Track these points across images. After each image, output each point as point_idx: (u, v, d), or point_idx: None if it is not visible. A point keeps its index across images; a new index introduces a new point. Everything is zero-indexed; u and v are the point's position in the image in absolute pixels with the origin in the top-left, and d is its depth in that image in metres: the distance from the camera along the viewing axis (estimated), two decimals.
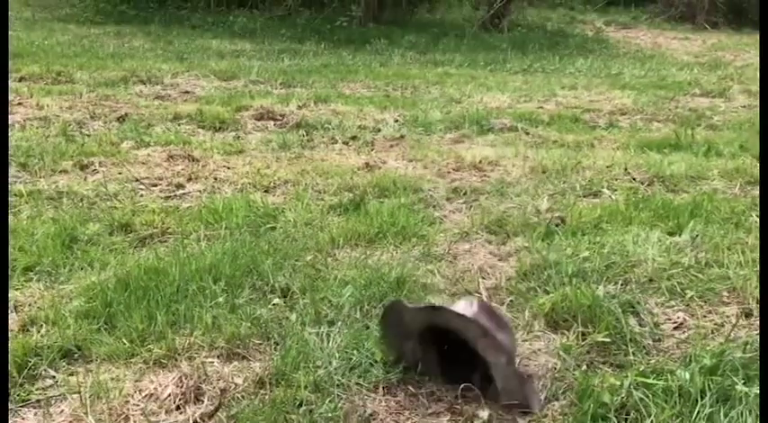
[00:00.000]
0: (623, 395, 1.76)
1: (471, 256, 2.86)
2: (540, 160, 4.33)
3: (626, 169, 4.12)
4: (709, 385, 1.79)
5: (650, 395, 1.76)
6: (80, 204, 3.44)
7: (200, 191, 3.74)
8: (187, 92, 6.60)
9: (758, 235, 2.92)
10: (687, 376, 1.82)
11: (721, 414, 1.72)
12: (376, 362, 2.02)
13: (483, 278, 2.64)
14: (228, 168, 4.15)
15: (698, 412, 1.72)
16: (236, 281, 2.51)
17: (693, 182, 3.93)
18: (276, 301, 2.41)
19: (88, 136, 4.83)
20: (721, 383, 1.80)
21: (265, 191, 3.75)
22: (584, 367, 1.98)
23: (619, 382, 1.80)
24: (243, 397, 1.86)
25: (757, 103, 6.63)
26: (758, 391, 1.75)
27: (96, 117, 5.39)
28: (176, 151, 4.39)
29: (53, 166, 4.03)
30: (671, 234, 3.00)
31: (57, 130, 4.88)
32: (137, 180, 3.86)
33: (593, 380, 1.85)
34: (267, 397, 1.85)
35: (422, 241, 3.01)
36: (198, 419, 1.75)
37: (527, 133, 5.32)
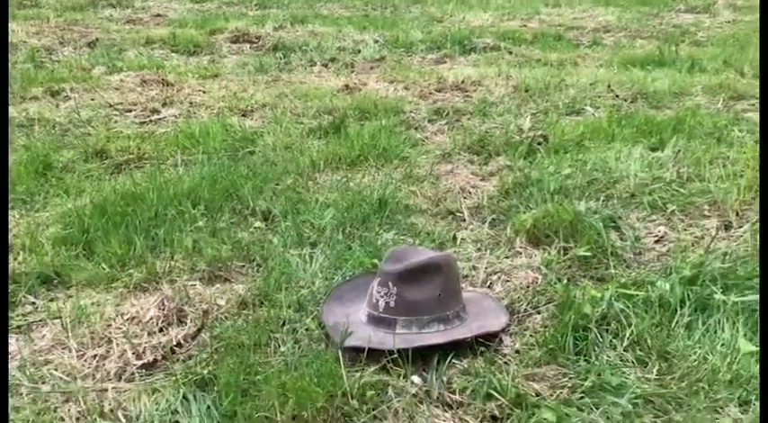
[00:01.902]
0: (604, 306, 1.77)
1: (453, 176, 2.84)
2: (522, 79, 4.26)
3: (609, 86, 4.07)
4: (688, 295, 1.80)
5: (630, 306, 1.77)
6: (53, 131, 3.35)
7: (175, 116, 3.65)
8: (159, 15, 6.39)
9: (744, 150, 2.92)
10: (667, 287, 1.83)
11: (699, 322, 1.74)
12: None
13: (465, 198, 2.63)
14: (204, 92, 4.05)
15: (677, 321, 1.74)
16: (215, 205, 2.48)
17: (677, 98, 3.90)
18: (257, 224, 2.39)
19: (58, 62, 4.69)
20: (700, 293, 1.81)
21: (243, 115, 3.68)
22: (566, 281, 1.97)
23: (600, 295, 1.81)
24: (226, 317, 1.84)
25: (742, 18, 6.53)
26: (736, 300, 1.77)
27: (65, 42, 5.21)
28: (150, 76, 4.26)
29: (23, 93, 3.92)
30: (653, 150, 2.98)
31: (24, 57, 4.72)
32: (110, 106, 3.76)
33: (574, 293, 1.85)
34: (250, 317, 1.83)
35: (404, 163, 2.98)
36: (181, 341, 1.74)
37: (510, 52, 5.23)
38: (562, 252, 2.13)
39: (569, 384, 1.56)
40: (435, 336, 1.73)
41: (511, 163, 2.92)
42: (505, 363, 1.66)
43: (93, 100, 3.85)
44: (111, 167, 2.93)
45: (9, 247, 2.14)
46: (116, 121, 3.55)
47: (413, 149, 3.16)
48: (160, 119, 3.62)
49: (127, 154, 3.04)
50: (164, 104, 3.81)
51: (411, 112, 3.73)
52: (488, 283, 2.04)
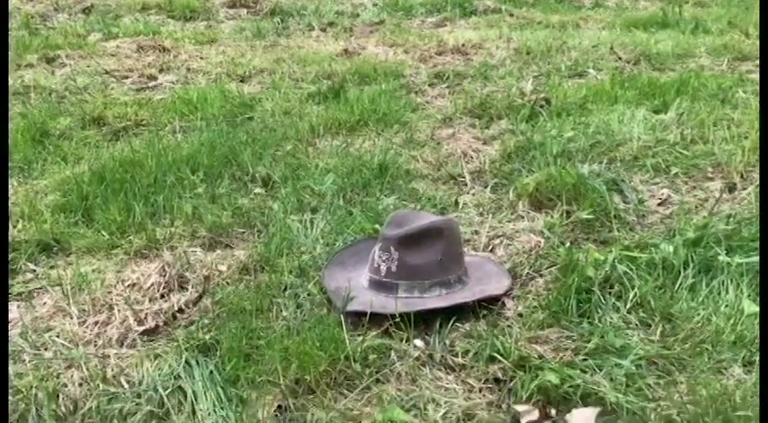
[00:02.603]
0: (607, 269, 1.75)
1: (455, 140, 2.82)
2: (524, 42, 4.20)
3: (612, 49, 4.01)
4: (691, 257, 1.78)
5: (634, 268, 1.75)
6: (49, 98, 3.32)
7: (172, 82, 3.62)
8: None
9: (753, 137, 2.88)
10: (671, 249, 1.81)
11: (703, 284, 1.72)
12: None
13: (467, 162, 2.61)
14: (201, 58, 4.00)
15: (680, 283, 1.73)
16: (214, 171, 2.47)
17: (680, 59, 3.84)
18: (257, 190, 2.38)
19: (53, 29, 4.62)
20: (704, 255, 1.80)
21: (241, 80, 3.65)
22: (568, 244, 1.96)
23: (603, 257, 1.79)
24: (228, 283, 1.84)
25: None
26: (740, 261, 1.76)
27: (60, 9, 5.13)
28: (146, 42, 4.21)
29: (18, 60, 3.87)
30: (657, 112, 2.95)
31: (19, 24, 4.65)
32: (107, 72, 3.71)
33: (577, 256, 1.82)
34: (252, 283, 1.83)
35: (404, 128, 2.96)
36: (183, 306, 1.74)
37: (511, 15, 5.15)
38: (565, 215, 2.11)
39: (572, 346, 1.55)
40: (437, 300, 1.73)
41: (513, 126, 2.89)
42: (508, 326, 1.65)
43: (88, 67, 3.80)
44: (109, 134, 2.91)
45: (8, 215, 2.13)
46: (113, 88, 3.51)
47: (413, 114, 3.13)
48: (157, 85, 3.58)
49: (124, 121, 3.02)
50: (160, 70, 3.77)
51: (411, 75, 3.69)
52: (491, 248, 2.03)
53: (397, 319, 1.63)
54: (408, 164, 2.58)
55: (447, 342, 1.60)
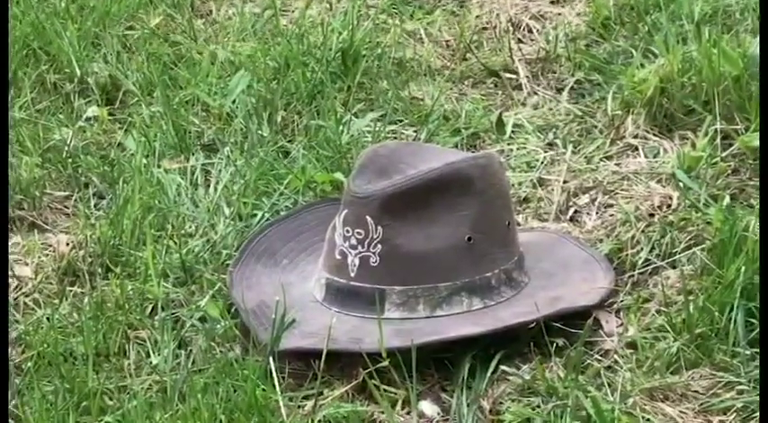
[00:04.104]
0: None
1: None
2: None
3: None
4: None
5: None
6: None
7: None
8: None
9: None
10: None
11: None
12: None
13: (521, 40, 2.66)
14: None
15: None
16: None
17: None
18: (93, 111, 2.47)
19: None
20: None
21: None
22: (728, 199, 1.98)
23: None
24: (38, 303, 1.89)
25: None
26: None
27: None
28: None
29: None
30: None
31: None
32: None
33: (744, 222, 1.84)
34: (87, 299, 1.87)
35: None
36: None
37: None
38: (718, 141, 2.13)
39: (738, 405, 1.58)
40: (464, 321, 1.76)
41: None
42: (608, 368, 1.68)
43: None
44: None
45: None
46: None
47: None
48: None
49: None
50: None
51: None
52: (571, 213, 2.08)
53: (384, 363, 1.63)
54: (401, 48, 2.65)
55: (485, 404, 1.62)
